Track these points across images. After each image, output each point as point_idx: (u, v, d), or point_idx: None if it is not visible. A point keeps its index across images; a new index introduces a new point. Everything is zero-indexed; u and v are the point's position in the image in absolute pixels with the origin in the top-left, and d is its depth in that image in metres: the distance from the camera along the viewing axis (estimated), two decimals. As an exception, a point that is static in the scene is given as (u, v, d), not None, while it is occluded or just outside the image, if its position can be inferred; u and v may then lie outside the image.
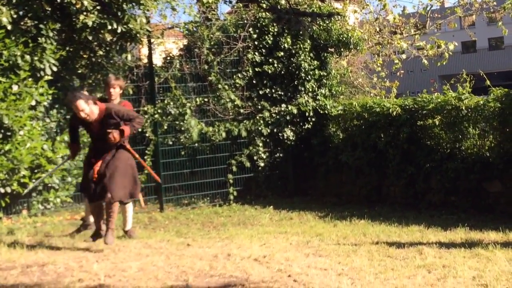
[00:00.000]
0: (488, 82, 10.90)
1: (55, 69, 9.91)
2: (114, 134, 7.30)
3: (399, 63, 16.36)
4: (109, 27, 10.27)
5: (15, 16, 9.64)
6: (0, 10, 9.35)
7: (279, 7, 6.98)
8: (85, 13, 10.09)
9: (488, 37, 56.05)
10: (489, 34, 53.68)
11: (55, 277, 6.00)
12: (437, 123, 10.65)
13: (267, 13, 12.17)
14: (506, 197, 10.03)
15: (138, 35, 10.75)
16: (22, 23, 10.05)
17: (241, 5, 13.13)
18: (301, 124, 12.61)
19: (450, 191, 10.55)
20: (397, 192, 11.33)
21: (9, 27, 9.43)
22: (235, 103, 12.14)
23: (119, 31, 10.39)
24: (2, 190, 9.50)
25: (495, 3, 16.95)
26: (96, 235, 7.53)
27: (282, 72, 12.46)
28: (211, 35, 12.26)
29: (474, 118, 10.43)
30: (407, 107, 11.14)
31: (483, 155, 10.31)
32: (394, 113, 11.09)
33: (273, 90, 12.40)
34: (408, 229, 9.06)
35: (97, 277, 5.94)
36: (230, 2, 15.16)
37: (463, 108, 10.36)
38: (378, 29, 16.42)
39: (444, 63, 16.32)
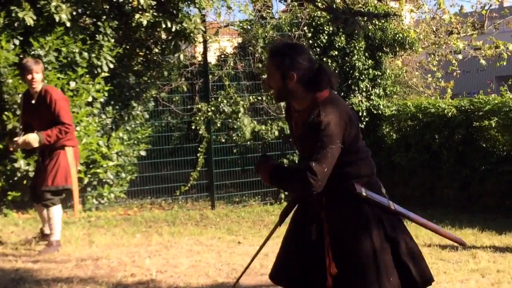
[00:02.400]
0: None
1: (111, 66, 10.06)
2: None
3: (456, 63, 16.10)
4: (164, 26, 10.37)
5: (74, 13, 9.82)
6: (60, 7, 9.52)
7: (335, 7, 6.93)
8: (140, 12, 10.22)
9: (548, 38, 54.75)
10: (549, 34, 52.44)
11: (109, 271, 6.10)
12: (493, 124, 10.47)
13: (322, 12, 12.14)
14: None
15: (192, 34, 10.83)
16: (80, 20, 10.24)
17: (296, 4, 13.12)
18: (354, 123, 12.52)
19: (505, 194, 10.37)
20: (451, 194, 11.18)
21: (68, 24, 9.61)
22: (288, 103, 12.14)
23: (173, 29, 10.49)
24: (59, 185, 9.67)
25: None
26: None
27: (336, 71, 12.40)
28: (266, 34, 12.28)
29: (532, 120, 10.23)
30: (463, 108, 10.98)
31: (540, 158, 10.10)
32: (449, 114, 10.94)
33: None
34: (461, 232, 8.93)
35: (149, 272, 6.02)
36: (285, 1, 15.15)
37: (521, 110, 10.17)
38: (434, 29, 16.19)
39: (504, 64, 16.00)
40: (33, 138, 6.67)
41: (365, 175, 3.65)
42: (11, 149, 7.29)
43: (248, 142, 11.96)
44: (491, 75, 38.47)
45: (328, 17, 12.07)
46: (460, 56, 16.36)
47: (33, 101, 6.83)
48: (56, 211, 6.85)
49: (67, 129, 6.69)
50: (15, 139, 6.87)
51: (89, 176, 9.95)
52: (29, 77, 6.73)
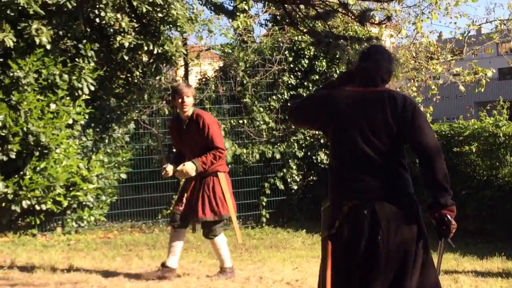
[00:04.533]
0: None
1: (92, 88, 10.02)
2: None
3: (436, 88, 16.23)
4: (145, 48, 10.37)
5: (54, 36, 9.79)
6: (40, 30, 9.49)
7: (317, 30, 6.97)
8: (122, 34, 10.21)
9: (525, 64, 55.43)
10: (526, 61, 53.12)
11: (88, 295, 6.02)
12: (473, 150, 10.52)
13: (304, 36, 12.20)
14: (544, 226, 9.86)
15: (173, 57, 10.84)
16: (61, 42, 10.21)
17: (277, 28, 13.19)
18: (335, 148, 12.53)
19: (486, 219, 10.40)
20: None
21: (48, 47, 9.57)
22: (269, 125, 12.16)
23: (155, 52, 10.49)
24: (38, 208, 9.58)
25: (533, 30, 16.79)
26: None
27: (317, 96, 12.42)
28: (247, 58, 12.32)
29: (511, 145, 10.29)
30: (443, 133, 11.03)
31: (520, 183, 10.16)
32: (430, 138, 10.98)
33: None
34: (443, 257, 8.91)
35: (129, 296, 5.94)
36: (267, 25, 15.23)
37: (501, 135, 10.23)
38: (414, 54, 16.33)
39: (482, 90, 16.16)
40: (191, 168, 6.54)
41: None
42: (164, 176, 6.96)
43: (229, 165, 11.90)
44: (470, 100, 38.89)
45: (310, 41, 12.13)
46: (440, 81, 16.50)
47: (184, 126, 6.73)
48: (221, 240, 6.80)
49: (221, 154, 6.60)
50: (165, 167, 6.79)
51: (69, 199, 9.87)
52: (180, 100, 6.63)
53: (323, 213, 3.94)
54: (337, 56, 12.29)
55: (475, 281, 7.09)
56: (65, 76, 9.77)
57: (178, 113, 6.89)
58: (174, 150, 7.06)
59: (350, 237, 3.73)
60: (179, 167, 6.59)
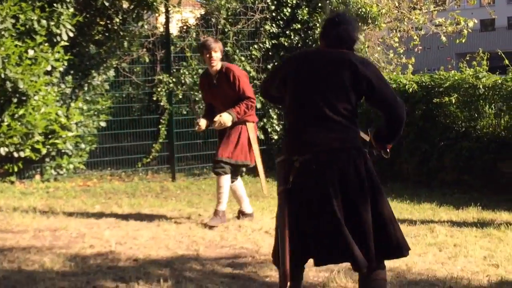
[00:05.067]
0: (506, 62, 10.78)
1: (71, 34, 9.89)
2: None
3: (418, 39, 16.18)
4: (126, -5, 10.23)
5: (32, -20, 9.61)
6: (17, -27, 9.31)
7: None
8: (102, -21, 10.05)
9: (508, 16, 55.37)
10: (509, 12, 53.04)
11: (67, 242, 6.03)
12: (453, 101, 10.55)
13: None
14: (520, 177, 9.98)
15: (154, 3, 10.69)
16: (39, -13, 10.02)
17: (260, -25, 13.02)
18: (316, 97, 12.52)
19: (463, 170, 10.50)
20: (410, 169, 11.28)
21: (26, -9, 9.40)
22: (251, 74, 12.08)
23: (136, -2, 10.35)
24: (16, 155, 9.54)
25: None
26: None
27: (299, 45, 12.36)
28: (229, 5, 12.16)
29: (491, 97, 10.33)
30: (424, 84, 11.05)
31: (498, 135, 10.24)
32: (410, 89, 11.00)
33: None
34: (420, 207, 9.05)
35: (108, 244, 5.96)
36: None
37: (480, 86, 10.25)
38: (396, 4, 16.22)
39: (463, 41, 16.12)
40: (227, 118, 6.73)
41: None
42: (198, 130, 7.15)
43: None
44: (451, 52, 38.84)
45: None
46: (422, 32, 16.44)
47: (214, 81, 6.89)
48: (226, 181, 6.91)
49: (253, 103, 6.81)
50: (198, 121, 6.96)
51: (47, 146, 9.83)
52: (208, 55, 6.76)
53: (277, 167, 4.04)
54: (319, 5, 12.19)
55: (451, 230, 7.18)
56: (43, 22, 9.62)
57: (207, 68, 7.05)
58: (204, 105, 7.41)
59: (303, 190, 3.84)
60: (216, 118, 6.76)
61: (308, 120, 3.89)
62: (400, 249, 3.90)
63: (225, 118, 6.72)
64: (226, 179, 6.90)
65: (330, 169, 3.79)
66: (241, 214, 7.33)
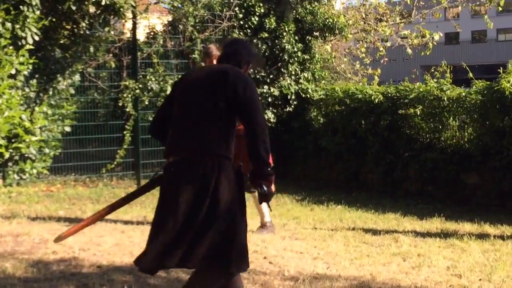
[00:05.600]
0: (470, 75, 10.92)
1: (37, 38, 9.77)
2: None
3: (384, 50, 16.34)
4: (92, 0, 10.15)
5: (-3, -18, 9.49)
6: (-18, -25, 9.19)
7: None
8: (69, -17, 9.96)
9: (472, 30, 56.25)
10: (473, 27, 53.82)
11: (29, 248, 5.95)
12: (418, 112, 10.65)
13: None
14: (482, 189, 10.10)
15: (121, 9, 10.63)
16: (4, -11, 9.90)
17: (228, -17, 13.03)
18: (282, 106, 12.57)
19: (427, 180, 10.60)
20: (375, 179, 11.36)
21: (-10, -7, 9.28)
22: (217, 82, 12.07)
23: (103, 3, 10.26)
24: (-22, 158, 9.40)
25: (481, -5, 16.97)
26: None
27: (266, 54, 12.39)
28: (196, 13, 12.15)
29: (455, 109, 10.45)
30: (389, 95, 11.14)
31: (462, 147, 10.35)
32: (376, 100, 11.09)
33: (256, 71, 12.33)
34: (384, 217, 9.10)
35: (71, 250, 5.90)
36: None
37: (445, 99, 10.37)
38: (363, 16, 16.38)
39: (428, 53, 16.32)
40: None
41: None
42: None
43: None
44: (416, 64, 39.25)
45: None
46: (388, 44, 16.60)
47: None
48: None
49: None
50: None
51: (10, 150, 9.68)
52: (208, 62, 6.91)
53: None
54: (281, 12, 12.22)
55: (415, 240, 7.24)
56: (8, 25, 9.49)
57: None
58: None
59: (164, 190, 3.99)
60: None
61: (180, 129, 3.98)
62: (224, 264, 3.82)
63: None
64: None
65: (186, 174, 3.86)
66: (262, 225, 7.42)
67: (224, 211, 3.84)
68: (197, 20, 12.18)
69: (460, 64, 12.43)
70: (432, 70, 12.61)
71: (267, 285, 5.18)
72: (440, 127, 10.58)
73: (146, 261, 3.89)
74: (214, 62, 6.88)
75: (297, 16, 12.63)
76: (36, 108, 10.10)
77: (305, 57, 12.74)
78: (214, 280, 3.88)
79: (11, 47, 9.47)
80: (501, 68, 10.13)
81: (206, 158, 3.85)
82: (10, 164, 10.00)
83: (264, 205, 7.14)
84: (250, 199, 7.35)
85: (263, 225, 7.29)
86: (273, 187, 4.06)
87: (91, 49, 10.96)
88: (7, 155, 9.65)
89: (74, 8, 10.28)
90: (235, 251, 3.83)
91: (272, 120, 12.34)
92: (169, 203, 3.85)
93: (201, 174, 3.82)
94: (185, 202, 3.80)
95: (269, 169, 3.97)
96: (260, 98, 11.87)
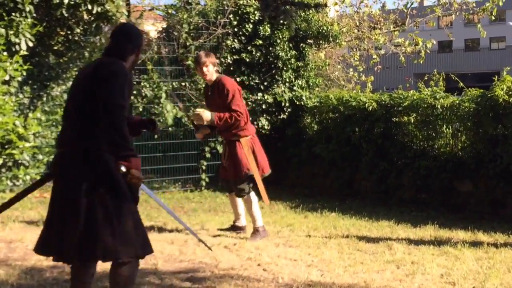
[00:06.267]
0: (461, 84, 10.97)
1: (31, 44, 9.77)
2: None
3: (377, 58, 16.40)
4: (84, 7, 10.15)
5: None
6: (-23, -19, 9.19)
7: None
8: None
9: (465, 38, 56.53)
10: (466, 35, 54.14)
11: (22, 254, 5.93)
12: (412, 120, 10.68)
13: (249, 0, 12.13)
14: (476, 197, 10.11)
15: (114, 17, 10.63)
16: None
17: (222, -9, 13.04)
18: (276, 114, 12.57)
19: (421, 188, 10.61)
20: (369, 186, 11.37)
21: (-16, -1, 9.28)
22: (211, 89, 12.07)
23: (94, 11, 10.27)
24: (-29, 165, 9.37)
25: (474, 4, 17.05)
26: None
27: (260, 61, 12.40)
28: (191, 20, 12.16)
29: (448, 117, 10.48)
30: (383, 102, 11.16)
31: (455, 155, 10.37)
32: (370, 108, 11.11)
33: (250, 78, 12.34)
34: (378, 224, 9.10)
35: (65, 257, 5.85)
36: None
37: (438, 106, 10.40)
38: (357, 23, 16.44)
39: (421, 61, 16.39)
40: (206, 115, 7.02)
41: None
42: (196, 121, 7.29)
43: (170, 128, 11.83)
44: (409, 72, 39.44)
45: (256, 5, 12.05)
46: (382, 51, 16.67)
47: (209, 92, 7.35)
48: (250, 199, 7.34)
49: (238, 116, 7.04)
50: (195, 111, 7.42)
51: (4, 156, 9.66)
52: (199, 69, 7.22)
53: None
54: (281, 21, 12.22)
55: (408, 248, 7.24)
56: (2, 31, 9.49)
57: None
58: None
59: (54, 182, 4.23)
60: (198, 109, 7.24)
61: (65, 122, 4.27)
62: (109, 254, 4.04)
63: (204, 114, 7.01)
64: (250, 198, 7.33)
65: (66, 167, 4.08)
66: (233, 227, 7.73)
67: (96, 203, 3.99)
68: (191, 27, 12.19)
69: (453, 72, 12.49)
70: (426, 78, 12.66)
71: (261, 293, 5.17)
72: (434, 134, 10.60)
73: (36, 245, 4.21)
74: (204, 69, 7.15)
75: (294, 23, 12.64)
76: (30, 114, 10.08)
77: (299, 65, 12.76)
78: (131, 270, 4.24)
79: (5, 53, 9.47)
80: (496, 77, 10.18)
81: (80, 150, 4.03)
82: (3, 170, 9.97)
83: (255, 209, 7.33)
84: (244, 205, 7.39)
85: (255, 231, 7.32)
86: (135, 171, 4.00)
87: (86, 55, 10.95)
88: (0, 161, 9.63)
89: (67, 14, 10.28)
90: (120, 239, 4.01)
91: (266, 127, 12.35)
92: (52, 194, 4.16)
93: (76, 166, 4.01)
94: (62, 194, 4.06)
95: (126, 150, 3.98)
96: (254, 105, 11.99)
